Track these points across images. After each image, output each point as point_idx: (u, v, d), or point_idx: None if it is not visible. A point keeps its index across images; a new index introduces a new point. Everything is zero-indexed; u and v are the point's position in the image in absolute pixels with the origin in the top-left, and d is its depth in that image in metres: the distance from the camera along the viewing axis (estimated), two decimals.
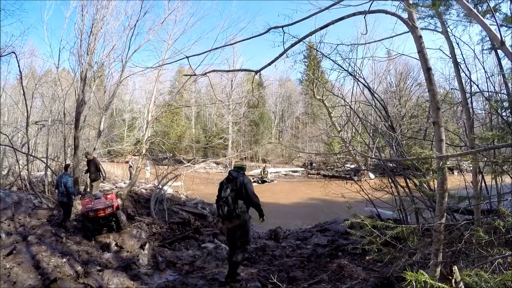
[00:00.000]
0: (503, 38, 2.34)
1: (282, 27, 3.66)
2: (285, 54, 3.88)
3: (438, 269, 3.47)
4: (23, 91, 13.36)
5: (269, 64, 3.95)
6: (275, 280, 5.35)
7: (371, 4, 3.55)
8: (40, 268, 6.71)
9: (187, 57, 4.56)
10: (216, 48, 5.04)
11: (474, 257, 3.39)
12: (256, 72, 4.06)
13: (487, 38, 6.62)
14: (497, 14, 6.11)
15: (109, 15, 14.38)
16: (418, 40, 3.40)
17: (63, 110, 14.72)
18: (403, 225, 3.46)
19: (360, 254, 6.86)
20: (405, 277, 2.46)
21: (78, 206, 10.58)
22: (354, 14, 3.57)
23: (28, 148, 13.73)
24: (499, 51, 6.62)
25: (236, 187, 6.10)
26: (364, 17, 3.55)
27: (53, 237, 8.54)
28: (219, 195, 6.30)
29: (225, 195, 6.08)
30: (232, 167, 6.70)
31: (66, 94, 15.10)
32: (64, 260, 7.15)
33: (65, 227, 9.37)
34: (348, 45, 9.85)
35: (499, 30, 2.34)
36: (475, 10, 2.60)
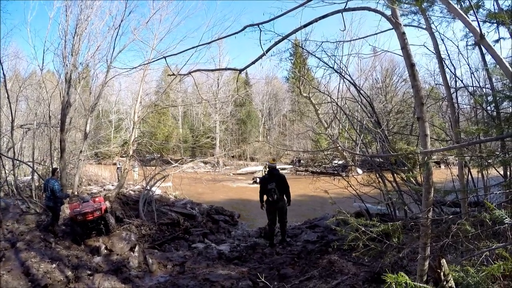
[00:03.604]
0: (482, 31, 2.36)
1: (258, 24, 3.62)
2: (268, 52, 3.86)
3: (426, 263, 3.50)
4: (7, 94, 13.16)
5: (252, 63, 3.94)
6: (263, 280, 5.37)
7: (347, 2, 3.55)
8: (30, 275, 6.64)
9: (165, 57, 4.53)
10: (193, 47, 5.00)
11: (462, 250, 3.43)
12: (240, 71, 4.05)
13: (471, 34, 6.71)
14: (481, 10, 6.20)
15: (93, 15, 14.31)
16: (402, 36, 3.42)
17: (48, 112, 14.54)
18: (388, 222, 3.49)
19: (350, 249, 6.91)
20: (385, 279, 2.47)
21: (66, 210, 10.47)
22: (338, 11, 3.58)
23: (14, 153, 13.55)
24: (482, 46, 6.71)
25: (277, 180, 8.91)
26: (342, 14, 3.52)
27: (42, 242, 8.43)
28: (265, 187, 8.93)
29: (272, 187, 8.81)
30: (268, 167, 9.56)
31: (51, 97, 14.88)
32: (54, 265, 7.08)
33: (54, 232, 9.26)
34: (333, 42, 9.91)
35: (478, 24, 2.35)
36: (453, 3, 2.61)
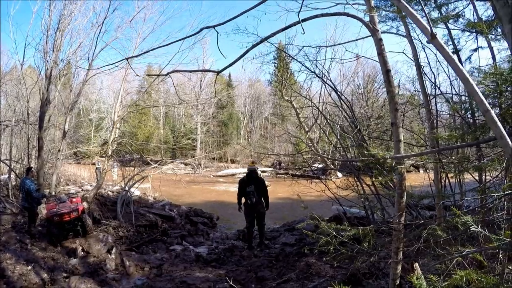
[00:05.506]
0: (433, 31, 2.38)
1: (213, 27, 3.60)
2: (248, 54, 3.86)
3: (399, 267, 3.54)
4: None
5: (229, 65, 3.91)
6: (231, 283, 5.32)
7: (301, 8, 3.55)
8: (5, 277, 6.50)
9: (127, 59, 4.53)
10: (152, 49, 5.04)
11: (434, 255, 3.47)
12: (218, 72, 4.06)
13: (450, 42, 6.83)
14: (461, 19, 6.32)
15: (77, 11, 14.07)
16: (379, 42, 3.46)
17: (27, 109, 14.30)
18: (360, 227, 3.53)
19: (324, 252, 6.95)
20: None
21: (43, 210, 10.27)
22: (316, 16, 3.60)
23: None
24: (460, 54, 6.84)
25: (256, 183, 8.89)
26: (299, 19, 3.48)
27: (17, 243, 8.24)
28: (243, 190, 8.92)
29: (252, 190, 8.76)
30: (248, 169, 9.30)
31: (31, 93, 14.60)
32: (30, 267, 6.94)
33: (30, 233, 9.05)
34: (314, 47, 9.99)
35: (429, 22, 2.36)
36: (403, 2, 2.62)
